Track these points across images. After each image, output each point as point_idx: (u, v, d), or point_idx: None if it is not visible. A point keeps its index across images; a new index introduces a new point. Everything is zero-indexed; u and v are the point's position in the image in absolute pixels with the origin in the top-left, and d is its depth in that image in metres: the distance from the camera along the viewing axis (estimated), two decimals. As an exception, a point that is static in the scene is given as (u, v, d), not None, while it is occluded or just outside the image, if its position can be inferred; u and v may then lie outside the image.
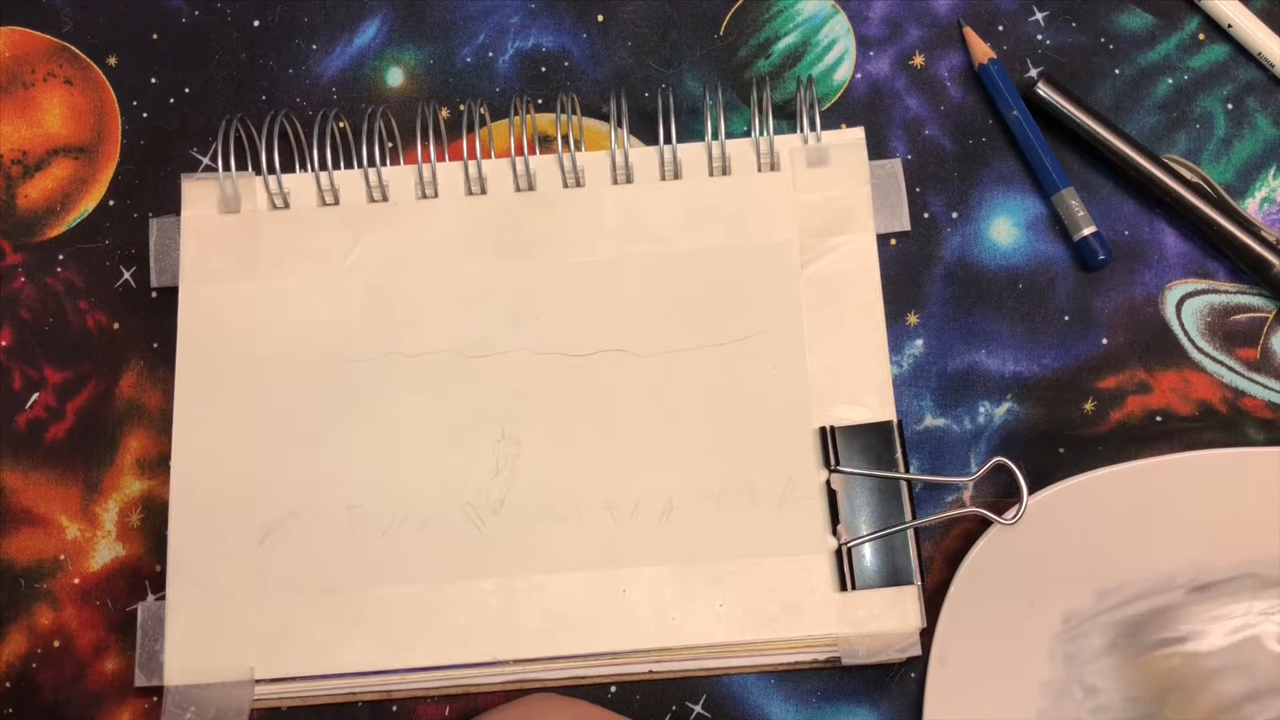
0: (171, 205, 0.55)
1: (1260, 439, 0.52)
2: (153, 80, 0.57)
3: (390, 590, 0.49)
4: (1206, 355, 0.53)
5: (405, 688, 0.50)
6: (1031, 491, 0.49)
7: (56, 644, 0.51)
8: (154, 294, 0.54)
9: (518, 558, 0.49)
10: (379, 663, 0.49)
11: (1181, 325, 0.53)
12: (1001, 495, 0.51)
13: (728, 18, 0.57)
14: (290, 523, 0.50)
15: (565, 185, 0.54)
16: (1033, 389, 0.52)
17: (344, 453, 0.51)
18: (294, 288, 0.52)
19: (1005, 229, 0.54)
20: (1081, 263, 0.53)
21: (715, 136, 0.54)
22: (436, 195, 0.54)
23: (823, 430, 0.50)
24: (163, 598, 0.50)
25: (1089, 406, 0.52)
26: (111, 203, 0.55)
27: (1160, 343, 0.53)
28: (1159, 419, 0.52)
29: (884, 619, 0.48)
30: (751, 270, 0.52)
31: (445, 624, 0.49)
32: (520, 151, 0.54)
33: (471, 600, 0.49)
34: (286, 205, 0.53)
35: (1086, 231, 0.53)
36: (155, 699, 0.50)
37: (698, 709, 0.50)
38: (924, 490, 0.52)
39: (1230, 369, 0.53)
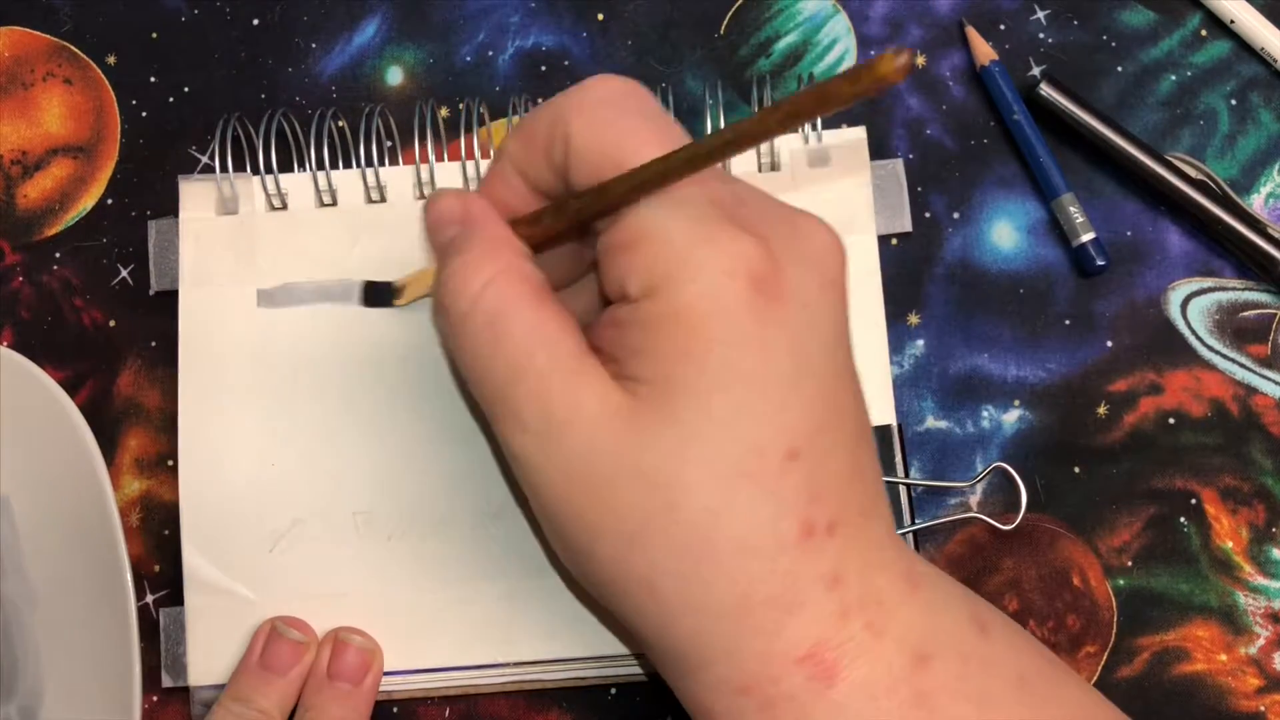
0: (170, 204, 0.55)
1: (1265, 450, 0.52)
2: (152, 79, 0.57)
3: (395, 594, 0.49)
4: (1216, 353, 0.52)
5: (406, 689, 0.50)
6: (1033, 496, 0.49)
7: (57, 645, 0.51)
8: (152, 292, 0.54)
9: (520, 561, 0.49)
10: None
11: (1188, 324, 0.53)
12: (1003, 498, 0.51)
13: (728, 17, 0.57)
14: (297, 531, 0.50)
15: (565, 185, 0.53)
16: (1039, 391, 0.52)
17: (347, 459, 0.50)
18: (293, 289, 0.52)
19: (1006, 230, 0.54)
20: (1080, 268, 0.53)
21: (715, 136, 0.53)
22: (436, 195, 0.53)
23: (823, 431, 0.50)
24: (164, 597, 0.51)
25: (1102, 410, 0.52)
26: (110, 201, 0.55)
27: (1167, 342, 0.53)
28: (1172, 420, 0.52)
29: (884, 621, 0.48)
30: (751, 271, 0.52)
31: (447, 626, 0.49)
32: (520, 151, 0.53)
33: (474, 603, 0.49)
34: (284, 206, 0.53)
35: (1085, 238, 0.52)
36: (155, 698, 0.51)
37: (697, 711, 0.50)
38: (927, 494, 0.51)
39: (1242, 365, 0.52)
